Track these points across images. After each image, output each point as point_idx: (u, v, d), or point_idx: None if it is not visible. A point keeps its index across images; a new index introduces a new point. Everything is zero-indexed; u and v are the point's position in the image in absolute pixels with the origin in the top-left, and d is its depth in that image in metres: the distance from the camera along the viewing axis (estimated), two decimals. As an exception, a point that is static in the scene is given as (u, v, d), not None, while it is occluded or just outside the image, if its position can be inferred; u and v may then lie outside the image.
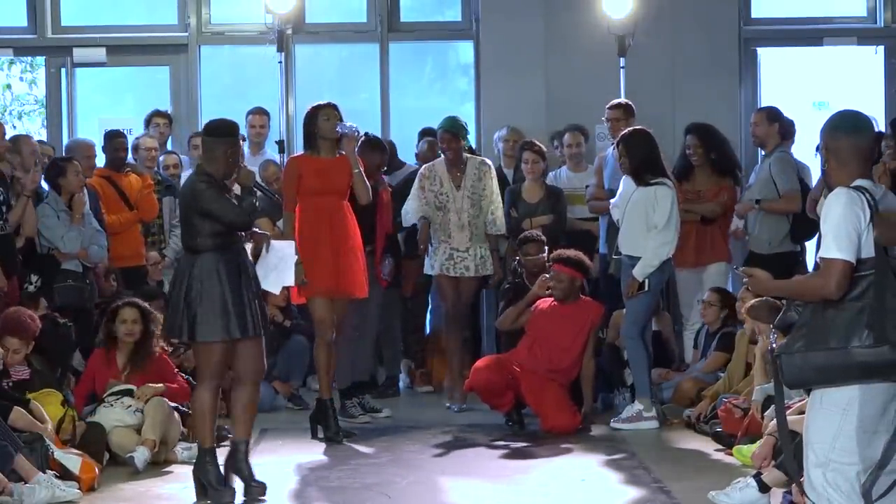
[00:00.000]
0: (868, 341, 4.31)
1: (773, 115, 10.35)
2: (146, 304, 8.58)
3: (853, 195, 4.44)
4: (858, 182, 4.51)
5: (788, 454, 4.69)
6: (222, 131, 7.10)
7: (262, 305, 7.13)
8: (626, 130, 9.44)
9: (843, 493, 4.40)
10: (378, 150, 9.70)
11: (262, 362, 7.18)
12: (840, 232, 4.37)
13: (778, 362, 4.45)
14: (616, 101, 10.64)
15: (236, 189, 7.17)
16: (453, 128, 9.93)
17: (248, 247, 7.25)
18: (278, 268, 7.47)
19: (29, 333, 8.11)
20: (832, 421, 4.40)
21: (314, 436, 8.85)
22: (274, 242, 7.55)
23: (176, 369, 8.66)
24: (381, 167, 9.79)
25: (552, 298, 9.35)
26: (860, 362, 4.32)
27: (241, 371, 7.13)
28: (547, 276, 9.36)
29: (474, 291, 10.22)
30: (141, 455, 7.77)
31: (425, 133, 11.40)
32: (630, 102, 10.52)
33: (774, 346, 4.55)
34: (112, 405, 8.10)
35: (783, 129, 10.38)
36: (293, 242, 7.99)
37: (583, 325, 9.24)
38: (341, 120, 8.80)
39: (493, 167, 10.23)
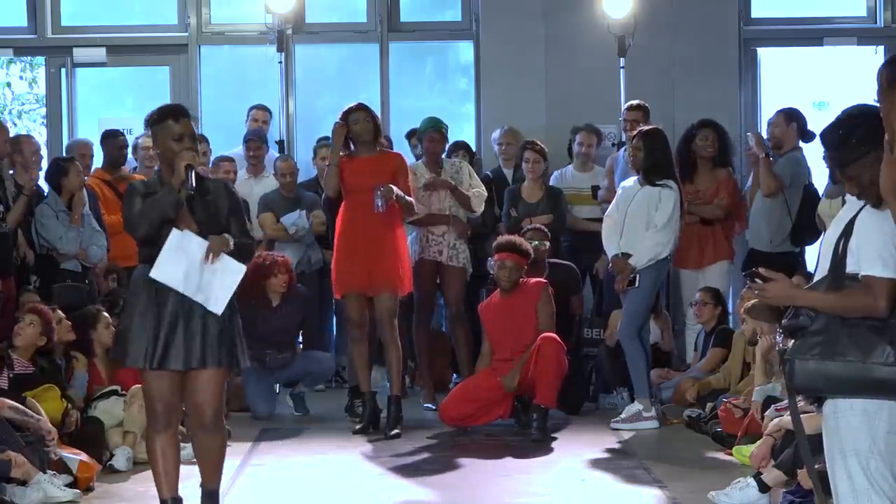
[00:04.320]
0: (890, 359, 4.27)
1: (791, 114, 10.40)
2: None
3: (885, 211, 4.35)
4: None
5: (806, 452, 4.65)
6: (149, 122, 6.08)
7: (223, 334, 5.96)
8: (647, 127, 9.48)
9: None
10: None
11: (212, 401, 5.98)
12: (888, 249, 4.28)
13: (789, 365, 4.39)
14: (635, 102, 10.76)
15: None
16: (440, 126, 10.05)
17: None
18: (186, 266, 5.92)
19: (46, 319, 8.07)
20: (863, 435, 4.34)
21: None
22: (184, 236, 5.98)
23: None
24: None
25: (495, 293, 9.36)
26: (878, 378, 4.27)
27: (188, 412, 6.14)
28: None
29: (460, 285, 10.11)
30: (122, 455, 7.78)
31: (413, 134, 11.48)
32: (647, 104, 10.61)
33: (781, 346, 4.50)
34: (106, 404, 8.10)
35: (801, 128, 10.38)
36: (204, 243, 6.00)
37: (528, 304, 9.20)
38: (374, 121, 9.05)
39: (468, 164, 10.33)
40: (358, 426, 9.05)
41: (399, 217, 9.05)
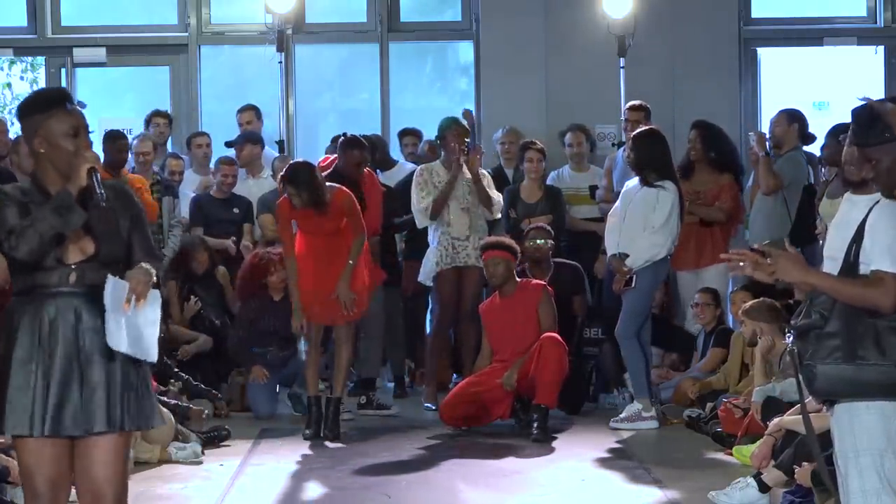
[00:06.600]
0: None
1: (793, 115, 10.38)
2: None
3: None
4: None
5: (817, 452, 4.64)
6: (23, 111, 4.56)
7: (129, 387, 4.50)
8: (639, 129, 9.50)
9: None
10: (357, 147, 9.54)
11: (115, 479, 4.50)
12: None
13: (808, 370, 4.35)
14: (637, 102, 10.78)
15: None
16: (462, 123, 10.05)
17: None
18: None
19: None
20: (879, 434, 4.33)
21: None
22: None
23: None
24: (362, 165, 9.58)
25: (495, 294, 9.39)
26: None
27: (82, 491, 4.56)
28: None
29: (477, 285, 10.03)
30: None
31: (406, 133, 11.46)
32: (648, 105, 10.67)
33: (791, 346, 4.47)
34: None
35: (802, 130, 10.37)
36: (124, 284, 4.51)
37: (529, 306, 9.21)
38: (313, 193, 8.68)
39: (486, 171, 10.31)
40: (308, 431, 8.89)
41: (347, 248, 8.80)
